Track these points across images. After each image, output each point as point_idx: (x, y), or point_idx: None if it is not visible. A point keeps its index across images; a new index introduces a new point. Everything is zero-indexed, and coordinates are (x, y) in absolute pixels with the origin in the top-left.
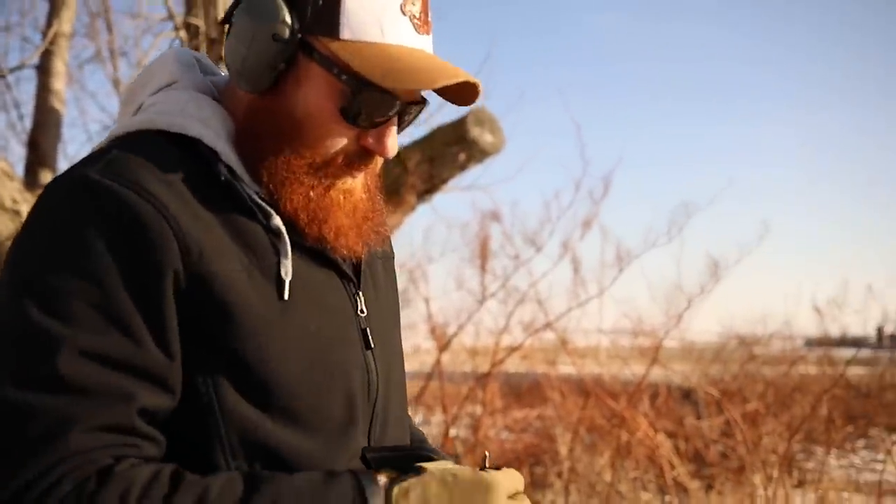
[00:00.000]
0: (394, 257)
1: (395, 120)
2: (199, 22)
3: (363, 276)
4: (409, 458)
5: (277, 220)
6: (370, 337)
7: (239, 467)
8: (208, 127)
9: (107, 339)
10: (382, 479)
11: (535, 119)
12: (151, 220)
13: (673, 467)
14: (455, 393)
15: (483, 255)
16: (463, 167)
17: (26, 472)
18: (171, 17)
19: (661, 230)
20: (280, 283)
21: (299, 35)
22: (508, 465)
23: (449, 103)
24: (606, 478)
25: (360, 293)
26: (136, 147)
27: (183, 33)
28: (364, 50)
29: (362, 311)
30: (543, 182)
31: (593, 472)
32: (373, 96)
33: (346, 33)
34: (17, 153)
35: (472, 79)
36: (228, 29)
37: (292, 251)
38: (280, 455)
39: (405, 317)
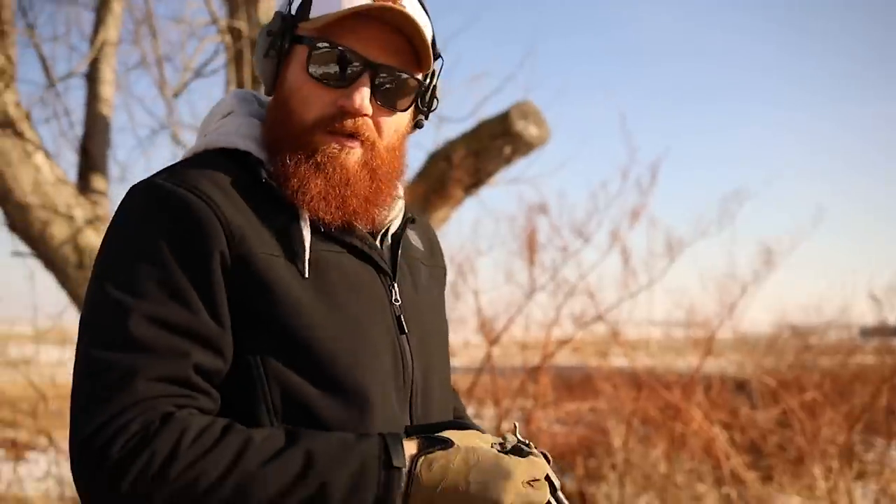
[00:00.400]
0: (445, 270)
1: (365, 78)
2: (241, 25)
3: (399, 272)
4: (442, 427)
5: (305, 215)
6: (404, 323)
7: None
8: (254, 141)
9: (167, 308)
10: (411, 447)
11: (580, 110)
12: (201, 211)
13: (729, 458)
14: (506, 387)
15: (531, 247)
16: (508, 160)
17: (102, 415)
18: (214, 21)
19: (713, 218)
20: (309, 265)
21: (286, 25)
22: (561, 458)
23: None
24: (662, 469)
25: (395, 285)
26: (196, 161)
27: (226, 37)
28: (324, 18)
29: (397, 300)
30: (590, 173)
31: (648, 463)
32: (330, 50)
33: (314, 12)
34: (69, 160)
35: (384, 2)
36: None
37: (330, 245)
38: (318, 417)
39: (455, 310)
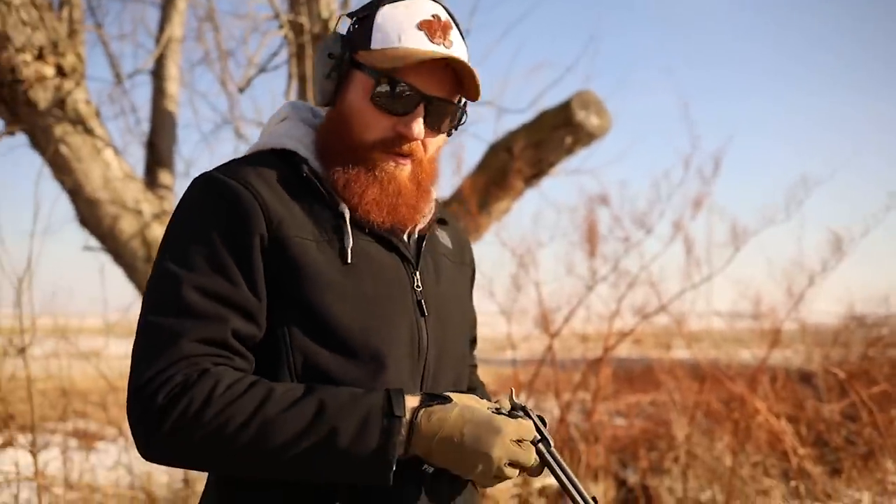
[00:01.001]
0: (472, 269)
1: (421, 109)
2: (303, 19)
3: (422, 262)
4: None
5: (343, 207)
6: (424, 307)
7: None
8: (300, 143)
9: (213, 280)
10: (413, 401)
11: (641, 99)
12: (246, 200)
13: (796, 452)
14: (566, 379)
15: (592, 238)
16: (569, 151)
17: (152, 369)
18: (276, 15)
19: (779, 206)
20: (344, 254)
21: (347, 52)
22: (623, 451)
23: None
24: (727, 463)
25: (417, 273)
26: (249, 158)
27: (288, 31)
28: (385, 52)
29: (418, 287)
30: (651, 162)
31: (712, 456)
32: (393, 85)
33: (374, 44)
34: (137, 155)
35: (444, 54)
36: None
37: (361, 235)
38: (334, 380)
39: (516, 302)
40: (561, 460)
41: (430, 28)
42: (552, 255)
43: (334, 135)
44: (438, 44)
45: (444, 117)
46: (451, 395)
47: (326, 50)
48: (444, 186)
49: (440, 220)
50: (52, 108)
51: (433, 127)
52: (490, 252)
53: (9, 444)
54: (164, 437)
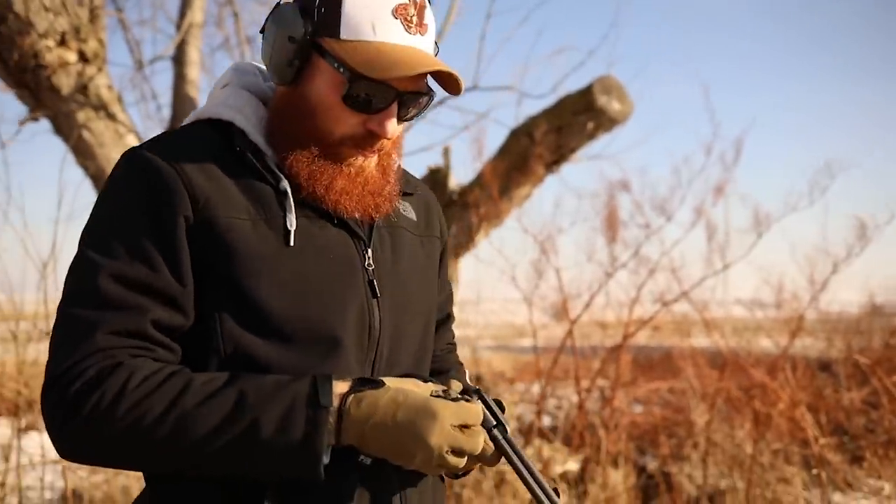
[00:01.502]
0: (441, 240)
1: (395, 107)
2: None
3: (374, 237)
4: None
5: (285, 183)
6: (376, 287)
7: None
8: (240, 113)
9: (131, 267)
10: (342, 387)
11: (662, 84)
12: (169, 177)
13: (817, 440)
14: (586, 366)
15: (612, 224)
16: (591, 136)
17: (65, 362)
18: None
19: (803, 192)
20: (286, 233)
21: (309, 36)
22: (641, 438)
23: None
24: (747, 450)
25: (369, 250)
26: (181, 131)
27: None
28: (358, 47)
29: (369, 265)
30: (672, 148)
31: (732, 444)
32: (366, 85)
33: (344, 34)
34: None
35: (436, 67)
36: (263, 36)
37: (304, 211)
38: (270, 372)
39: (535, 287)
40: (518, 447)
41: (406, 15)
42: (572, 242)
43: (293, 122)
44: (414, 33)
45: (415, 108)
46: (387, 379)
47: (285, 30)
48: (466, 171)
49: (404, 193)
50: (74, 93)
51: (403, 117)
52: (511, 238)
53: (33, 427)
54: (76, 432)
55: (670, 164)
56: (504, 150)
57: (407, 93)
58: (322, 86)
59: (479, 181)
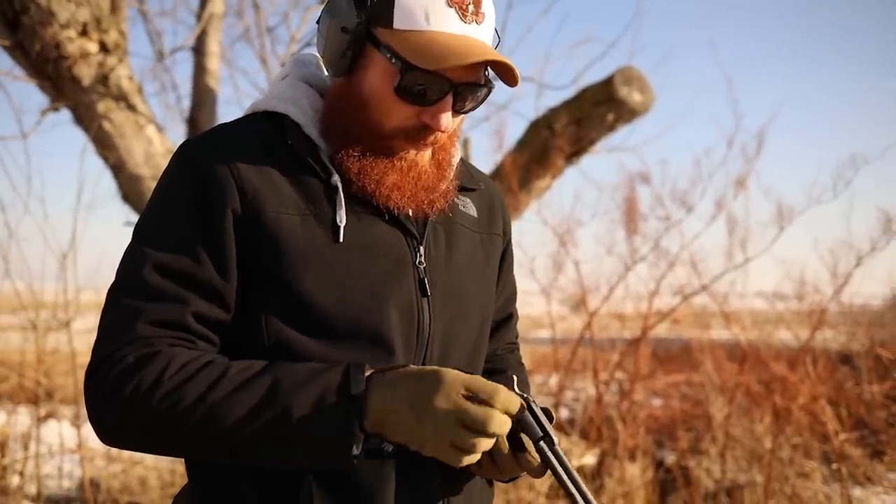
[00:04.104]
0: (503, 237)
1: (449, 99)
2: None
3: (428, 235)
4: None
5: (336, 178)
6: (427, 286)
7: None
8: (296, 105)
9: (176, 258)
10: (370, 370)
11: (684, 74)
12: (220, 170)
13: (837, 434)
14: (604, 359)
15: (632, 217)
16: (611, 128)
17: (107, 348)
18: None
19: (826, 185)
20: (335, 229)
21: (363, 27)
22: (659, 432)
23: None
24: (766, 444)
25: (421, 248)
26: (237, 123)
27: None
28: (411, 37)
29: (420, 263)
30: (694, 139)
31: (751, 438)
32: (420, 76)
33: (398, 23)
34: (178, 131)
35: (489, 57)
36: (318, 27)
37: (355, 206)
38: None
39: (555, 281)
40: (567, 461)
41: (462, 4)
42: (592, 234)
43: (346, 114)
44: (470, 22)
45: (471, 100)
46: (413, 367)
47: (338, 20)
48: (486, 163)
49: (463, 188)
50: (95, 84)
51: (459, 110)
52: (531, 230)
53: (52, 416)
54: (114, 417)
55: (691, 155)
56: (524, 142)
57: (462, 84)
58: (375, 77)
59: (498, 173)
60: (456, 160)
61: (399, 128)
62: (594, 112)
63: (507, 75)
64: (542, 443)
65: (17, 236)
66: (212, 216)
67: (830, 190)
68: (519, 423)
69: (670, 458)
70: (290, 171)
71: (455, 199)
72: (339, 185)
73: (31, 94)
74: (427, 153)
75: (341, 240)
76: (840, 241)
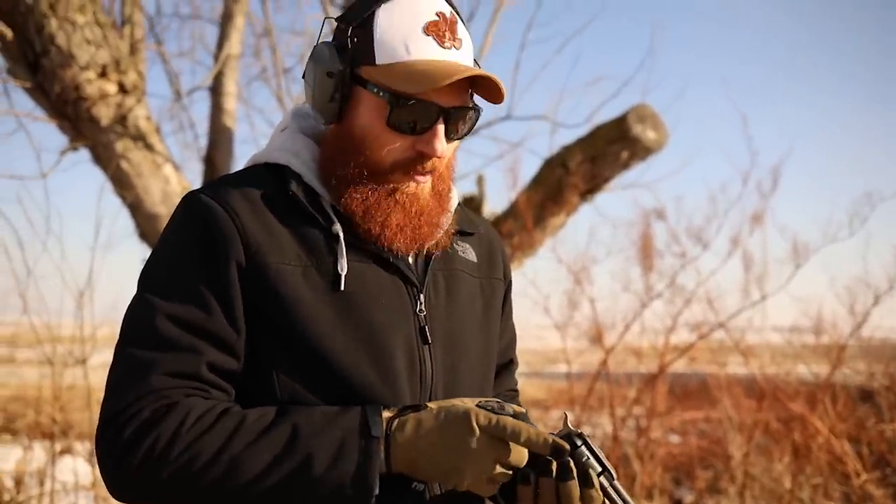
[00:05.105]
0: (504, 282)
1: (441, 124)
2: None
3: (428, 282)
4: None
5: (337, 227)
6: (428, 334)
7: None
8: (297, 157)
9: (187, 309)
10: (387, 413)
11: (698, 111)
12: (223, 222)
13: (859, 474)
14: (621, 395)
15: (647, 254)
16: (625, 165)
17: (120, 403)
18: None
19: (842, 222)
20: (336, 277)
21: (347, 68)
22: (677, 469)
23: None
24: (786, 484)
25: (421, 296)
26: (239, 174)
27: None
28: (394, 68)
29: (421, 311)
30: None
31: (770, 477)
32: (409, 106)
33: (380, 59)
34: (195, 170)
35: (472, 73)
36: (304, 80)
37: (357, 255)
38: None
39: (571, 318)
40: (627, 497)
41: (438, 31)
42: (607, 272)
43: (343, 159)
44: (449, 47)
45: (462, 124)
46: (432, 403)
47: (323, 66)
48: (500, 201)
49: (462, 232)
50: (113, 124)
51: (451, 136)
52: (545, 268)
53: (67, 452)
54: (130, 475)
55: (706, 191)
56: (538, 180)
57: (451, 108)
58: (366, 114)
59: (513, 211)
60: (455, 197)
61: (397, 161)
62: (608, 150)
63: (493, 93)
64: (602, 478)
65: (35, 274)
66: (218, 268)
67: (846, 227)
68: (574, 457)
69: (688, 498)
70: (290, 222)
71: (455, 245)
72: (341, 234)
73: (51, 135)
74: (427, 186)
75: (342, 288)
76: (857, 278)
